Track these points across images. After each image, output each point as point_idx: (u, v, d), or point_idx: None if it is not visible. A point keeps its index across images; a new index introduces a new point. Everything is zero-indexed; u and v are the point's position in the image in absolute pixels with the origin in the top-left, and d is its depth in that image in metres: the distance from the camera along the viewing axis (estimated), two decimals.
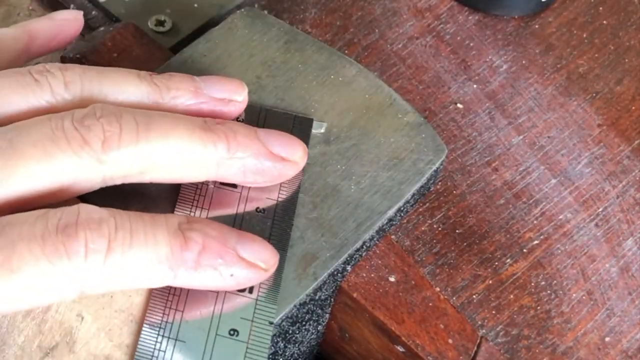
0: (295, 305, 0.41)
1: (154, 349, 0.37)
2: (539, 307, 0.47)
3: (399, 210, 0.45)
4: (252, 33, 0.49)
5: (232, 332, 0.38)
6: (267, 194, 0.41)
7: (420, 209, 0.49)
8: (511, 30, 0.57)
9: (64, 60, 0.49)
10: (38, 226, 0.33)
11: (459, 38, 0.56)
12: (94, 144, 0.35)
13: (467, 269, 0.47)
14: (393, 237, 0.46)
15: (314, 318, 0.44)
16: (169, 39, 0.52)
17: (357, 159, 0.45)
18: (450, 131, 0.52)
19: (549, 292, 0.47)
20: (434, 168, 0.46)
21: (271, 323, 0.38)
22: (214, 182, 0.41)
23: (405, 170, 0.45)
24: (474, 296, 0.46)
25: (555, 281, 0.47)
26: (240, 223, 0.40)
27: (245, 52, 0.48)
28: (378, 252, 0.45)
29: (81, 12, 0.44)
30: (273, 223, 0.41)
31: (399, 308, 0.44)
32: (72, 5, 0.53)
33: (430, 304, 0.44)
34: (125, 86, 0.39)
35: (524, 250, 0.48)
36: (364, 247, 0.44)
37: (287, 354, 0.44)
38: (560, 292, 0.47)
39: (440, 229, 0.48)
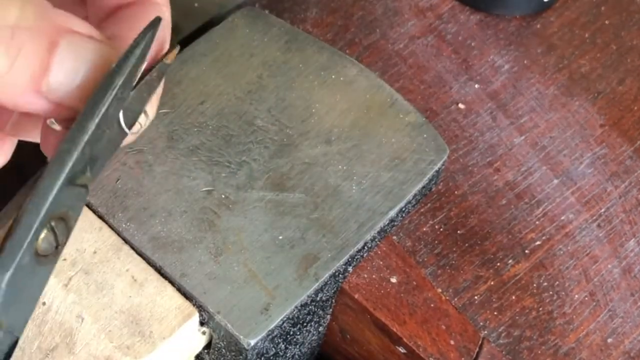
0: (296, 306, 0.41)
1: None
2: (541, 308, 0.46)
3: (400, 210, 0.44)
4: (253, 33, 0.49)
5: None
6: None
7: (422, 210, 0.48)
8: (513, 30, 0.57)
9: None
10: None
11: (460, 38, 0.56)
12: None
13: (468, 270, 0.47)
14: (394, 237, 0.46)
15: (315, 319, 0.44)
16: None
17: (358, 159, 0.45)
18: (452, 131, 0.52)
19: (551, 293, 0.47)
20: (436, 168, 0.45)
21: None
22: None
23: (406, 170, 0.45)
24: (476, 297, 0.46)
25: (557, 282, 0.47)
26: None
27: (246, 51, 0.48)
28: (379, 252, 0.45)
29: None
30: None
31: (401, 309, 0.44)
32: None
33: (432, 305, 0.44)
34: None
35: (526, 251, 0.48)
36: (366, 247, 0.44)
37: (288, 355, 0.44)
38: (563, 293, 0.47)
39: (441, 229, 0.48)
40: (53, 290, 0.39)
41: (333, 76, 0.48)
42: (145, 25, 0.32)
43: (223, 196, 0.43)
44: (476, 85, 0.54)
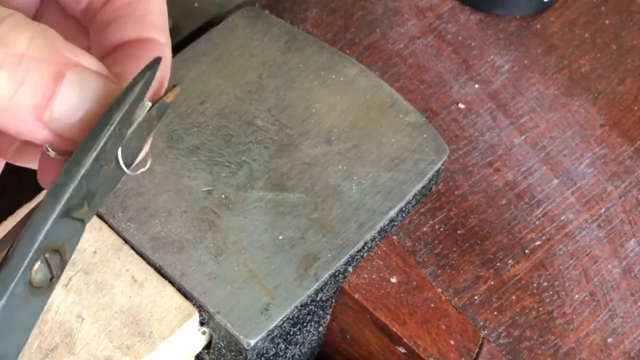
0: (296, 306, 0.41)
1: None
2: (541, 308, 0.46)
3: (400, 210, 0.44)
4: (253, 33, 0.49)
5: None
6: None
7: (422, 210, 0.48)
8: (513, 30, 0.57)
9: None
10: None
11: (460, 38, 0.56)
12: None
13: (468, 270, 0.47)
14: (394, 237, 0.46)
15: (315, 319, 0.44)
16: None
17: (358, 159, 0.45)
18: (452, 131, 0.52)
19: (551, 293, 0.47)
20: (436, 168, 0.45)
21: None
22: None
23: (406, 170, 0.45)
24: (476, 297, 0.46)
25: (557, 282, 0.47)
26: None
27: (246, 51, 0.48)
28: (379, 252, 0.45)
29: None
30: None
31: (401, 309, 0.44)
32: None
33: (432, 305, 0.44)
34: None
35: (526, 251, 0.48)
36: (366, 247, 0.44)
37: (288, 355, 0.44)
38: (563, 293, 0.47)
39: (441, 229, 0.48)
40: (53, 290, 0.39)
41: (333, 76, 0.48)
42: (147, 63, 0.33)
43: (223, 196, 0.43)
44: (476, 85, 0.54)
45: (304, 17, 0.55)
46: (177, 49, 0.50)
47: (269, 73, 0.47)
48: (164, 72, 0.35)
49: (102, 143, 0.31)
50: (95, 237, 0.41)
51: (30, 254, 0.30)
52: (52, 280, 0.31)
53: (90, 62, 0.31)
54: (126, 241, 0.41)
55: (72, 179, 0.30)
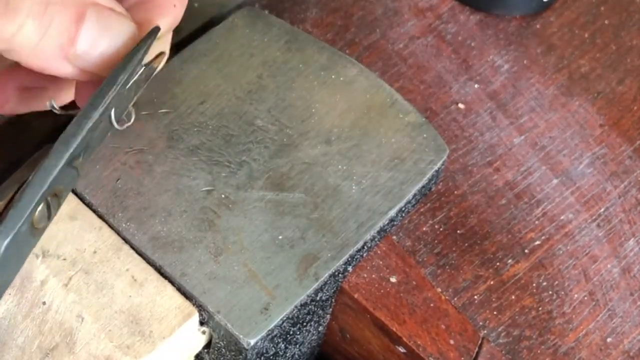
0: (296, 306, 0.41)
1: None
2: (540, 308, 0.46)
3: (400, 210, 0.44)
4: (253, 33, 0.49)
5: None
6: None
7: (422, 209, 0.49)
8: (513, 30, 0.57)
9: None
10: None
11: (460, 38, 0.56)
12: None
13: (468, 270, 0.47)
14: (394, 237, 0.46)
15: (314, 319, 0.44)
16: None
17: (358, 159, 0.45)
18: (452, 131, 0.52)
19: (550, 292, 0.47)
20: (436, 168, 0.46)
21: None
22: None
23: (406, 170, 0.45)
24: (476, 297, 0.46)
25: (556, 282, 0.47)
26: None
27: (246, 51, 0.48)
28: (379, 252, 0.45)
29: None
30: None
31: (400, 309, 0.44)
32: None
33: (432, 305, 0.44)
34: None
35: (526, 251, 0.48)
36: (365, 247, 0.44)
37: (287, 354, 0.44)
38: (562, 292, 0.47)
39: (441, 229, 0.48)
40: (53, 290, 0.39)
41: (333, 76, 0.48)
42: (155, 19, 0.37)
43: (223, 196, 0.43)
44: (476, 85, 0.54)
45: (304, 17, 0.55)
46: (177, 48, 0.50)
47: (269, 73, 0.47)
48: (176, 20, 0.39)
49: (109, 100, 0.34)
50: (95, 237, 0.41)
51: (38, 196, 0.33)
52: (48, 220, 0.34)
53: (105, 0, 0.34)
54: (126, 241, 0.41)
55: (81, 130, 0.34)
